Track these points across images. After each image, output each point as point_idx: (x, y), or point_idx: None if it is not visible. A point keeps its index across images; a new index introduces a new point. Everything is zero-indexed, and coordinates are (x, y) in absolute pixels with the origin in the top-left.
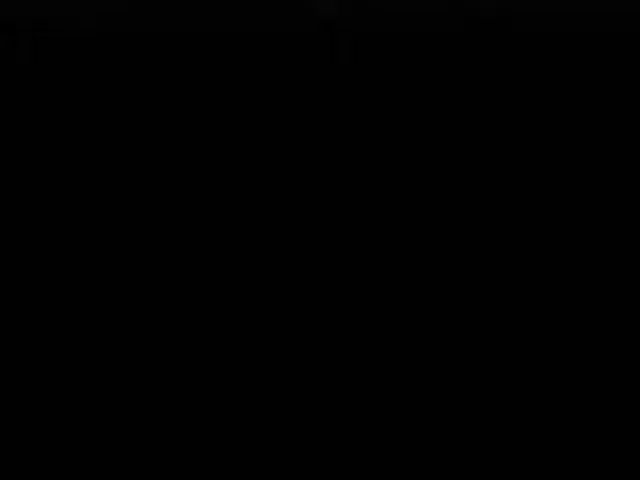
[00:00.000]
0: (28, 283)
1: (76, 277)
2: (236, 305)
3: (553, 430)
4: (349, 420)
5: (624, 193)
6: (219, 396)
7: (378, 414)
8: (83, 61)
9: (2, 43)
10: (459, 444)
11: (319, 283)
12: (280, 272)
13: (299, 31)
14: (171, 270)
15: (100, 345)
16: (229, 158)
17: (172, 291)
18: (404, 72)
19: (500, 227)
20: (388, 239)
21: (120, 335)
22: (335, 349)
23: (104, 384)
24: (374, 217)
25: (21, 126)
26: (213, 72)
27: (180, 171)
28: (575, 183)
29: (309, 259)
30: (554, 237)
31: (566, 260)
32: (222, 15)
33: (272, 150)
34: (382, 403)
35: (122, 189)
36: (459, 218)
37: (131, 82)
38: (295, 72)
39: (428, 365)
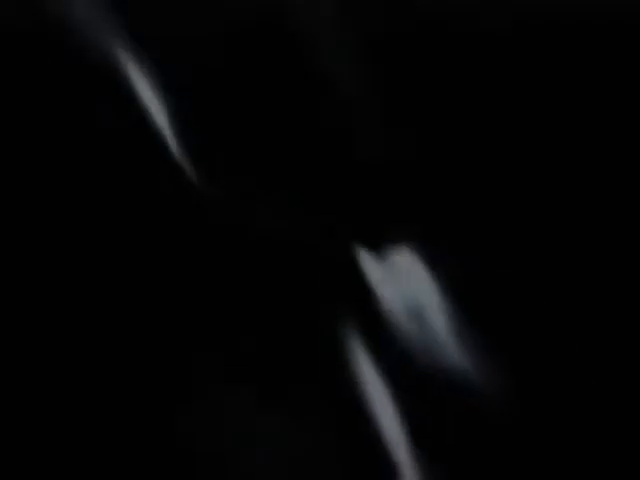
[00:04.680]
0: (28, 282)
1: (77, 276)
2: (236, 303)
3: (553, 429)
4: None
5: (626, 192)
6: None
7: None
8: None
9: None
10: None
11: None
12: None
13: None
14: (171, 269)
15: (100, 344)
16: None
17: (172, 289)
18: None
19: (500, 226)
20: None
21: (120, 334)
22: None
23: (103, 383)
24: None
25: (20, 126)
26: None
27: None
28: (576, 181)
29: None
30: (555, 235)
31: (567, 259)
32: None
33: (271, 149)
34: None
35: (122, 186)
36: (459, 217)
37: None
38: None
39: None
